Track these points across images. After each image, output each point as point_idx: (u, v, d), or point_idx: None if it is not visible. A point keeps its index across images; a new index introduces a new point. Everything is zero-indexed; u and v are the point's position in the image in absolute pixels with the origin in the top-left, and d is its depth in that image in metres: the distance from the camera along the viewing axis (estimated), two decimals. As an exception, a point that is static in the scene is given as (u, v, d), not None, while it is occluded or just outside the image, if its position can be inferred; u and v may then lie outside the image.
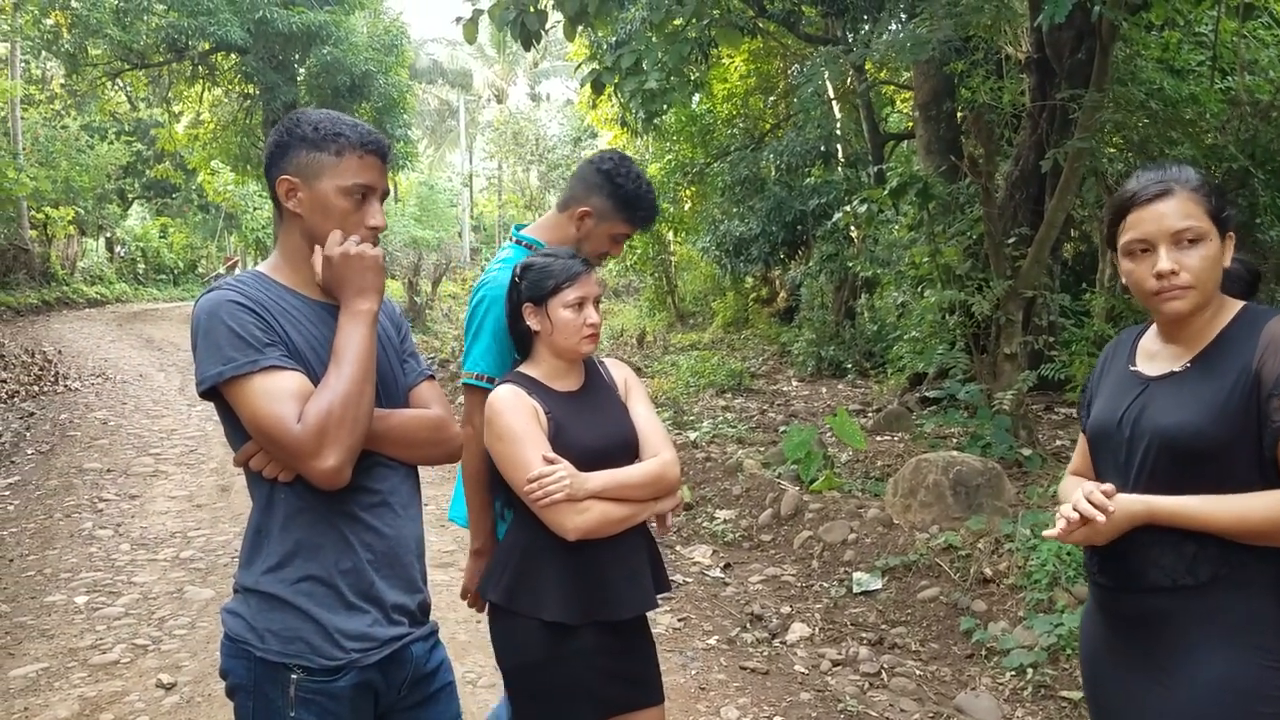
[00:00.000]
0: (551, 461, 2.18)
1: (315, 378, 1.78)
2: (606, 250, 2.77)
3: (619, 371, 2.51)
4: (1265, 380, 1.73)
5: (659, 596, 2.39)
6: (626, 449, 2.34)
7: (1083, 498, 1.82)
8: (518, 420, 2.22)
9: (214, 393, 1.77)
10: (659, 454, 2.32)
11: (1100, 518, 1.78)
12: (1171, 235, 1.83)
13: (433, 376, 2.11)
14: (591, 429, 2.30)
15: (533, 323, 2.35)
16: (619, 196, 2.69)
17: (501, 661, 2.31)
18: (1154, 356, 1.96)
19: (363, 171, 1.87)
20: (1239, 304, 1.88)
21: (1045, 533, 1.95)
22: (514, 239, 2.80)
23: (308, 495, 1.79)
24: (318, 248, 1.86)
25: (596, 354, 2.50)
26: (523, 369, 2.39)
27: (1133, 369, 1.98)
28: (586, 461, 2.22)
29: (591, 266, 2.42)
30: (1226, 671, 1.75)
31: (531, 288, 2.33)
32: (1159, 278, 1.83)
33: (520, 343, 2.43)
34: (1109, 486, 1.83)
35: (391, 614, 1.90)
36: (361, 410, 1.77)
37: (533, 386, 2.32)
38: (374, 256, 1.86)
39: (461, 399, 2.67)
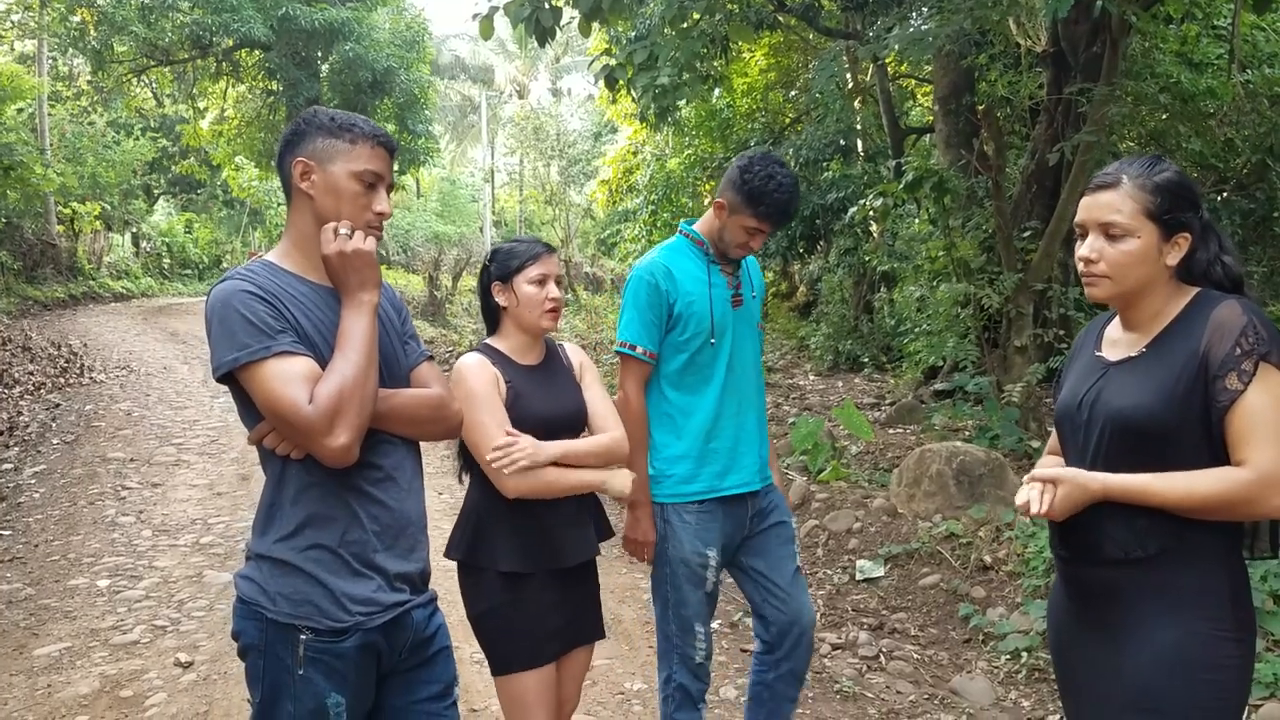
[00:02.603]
0: (512, 434, 2.45)
1: (323, 360, 1.90)
2: (744, 242, 2.93)
3: (576, 355, 2.78)
4: (1212, 362, 1.81)
5: (603, 545, 2.71)
6: (574, 422, 2.63)
7: (1026, 487, 1.95)
8: (479, 386, 2.49)
9: (229, 377, 1.88)
10: (609, 431, 2.63)
11: (1036, 508, 1.90)
12: (1099, 225, 1.93)
13: (432, 357, 2.22)
14: (545, 400, 2.58)
15: (501, 299, 2.63)
16: (745, 191, 2.86)
17: (469, 610, 2.57)
18: (1116, 343, 2.04)
19: (373, 160, 2.00)
20: (1193, 291, 1.95)
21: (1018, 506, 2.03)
22: (680, 231, 3.05)
23: (317, 471, 1.91)
24: (325, 227, 1.96)
25: (557, 338, 2.76)
26: (490, 341, 2.66)
27: (1097, 354, 2.06)
28: (537, 428, 2.51)
29: (553, 249, 2.66)
30: (1175, 640, 1.83)
31: (499, 267, 2.63)
32: (1084, 262, 1.95)
33: (490, 319, 2.70)
34: (1041, 474, 1.93)
35: (394, 582, 2.00)
36: (368, 392, 1.88)
37: (497, 357, 2.60)
38: (369, 253, 1.97)
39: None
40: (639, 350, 2.90)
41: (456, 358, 13.79)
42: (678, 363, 2.92)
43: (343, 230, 1.95)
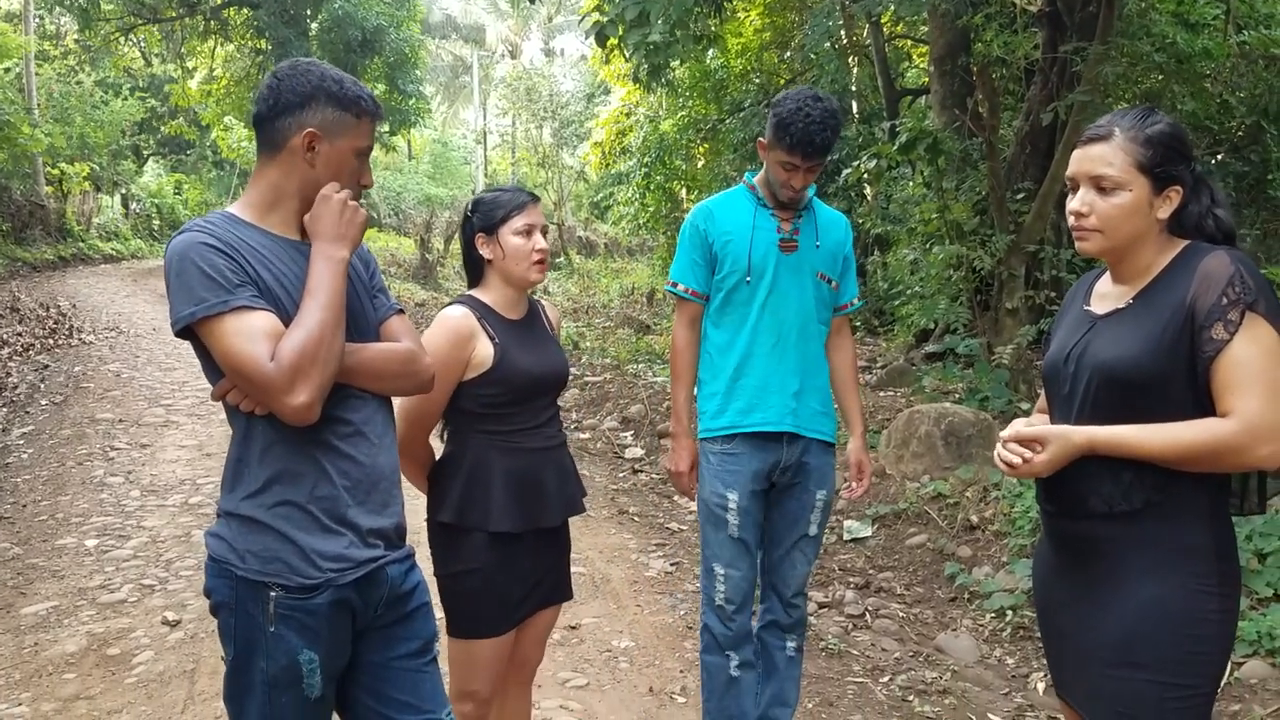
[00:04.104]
0: None
1: (285, 313, 1.86)
2: (785, 180, 2.91)
3: (553, 313, 2.77)
4: (1198, 313, 1.78)
5: (592, 506, 2.63)
6: (559, 380, 2.61)
7: (1002, 447, 1.97)
8: (443, 345, 2.42)
9: (188, 332, 1.85)
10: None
11: (1016, 460, 1.92)
12: (1090, 178, 1.90)
13: (402, 310, 2.18)
14: (532, 356, 2.53)
15: (485, 251, 2.55)
16: (774, 124, 2.86)
17: (443, 569, 2.51)
18: (1105, 296, 2.02)
19: (370, 135, 2.01)
20: (1183, 243, 1.92)
21: (998, 464, 2.02)
22: (743, 180, 3.11)
23: (284, 427, 1.87)
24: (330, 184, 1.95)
25: (536, 294, 2.73)
26: (475, 293, 2.58)
27: (1086, 309, 2.04)
28: (525, 386, 2.48)
29: (537, 198, 2.61)
30: (1158, 594, 1.82)
31: (483, 218, 2.55)
32: (1074, 216, 1.92)
33: (474, 271, 2.62)
34: (1024, 433, 1.93)
35: (367, 537, 1.98)
36: (333, 350, 1.84)
37: (484, 310, 2.52)
38: (364, 214, 1.99)
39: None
40: (680, 287, 3.04)
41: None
42: (717, 301, 3.02)
43: (348, 191, 1.97)
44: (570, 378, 2.69)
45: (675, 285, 3.07)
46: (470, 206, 2.61)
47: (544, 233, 2.56)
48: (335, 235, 1.92)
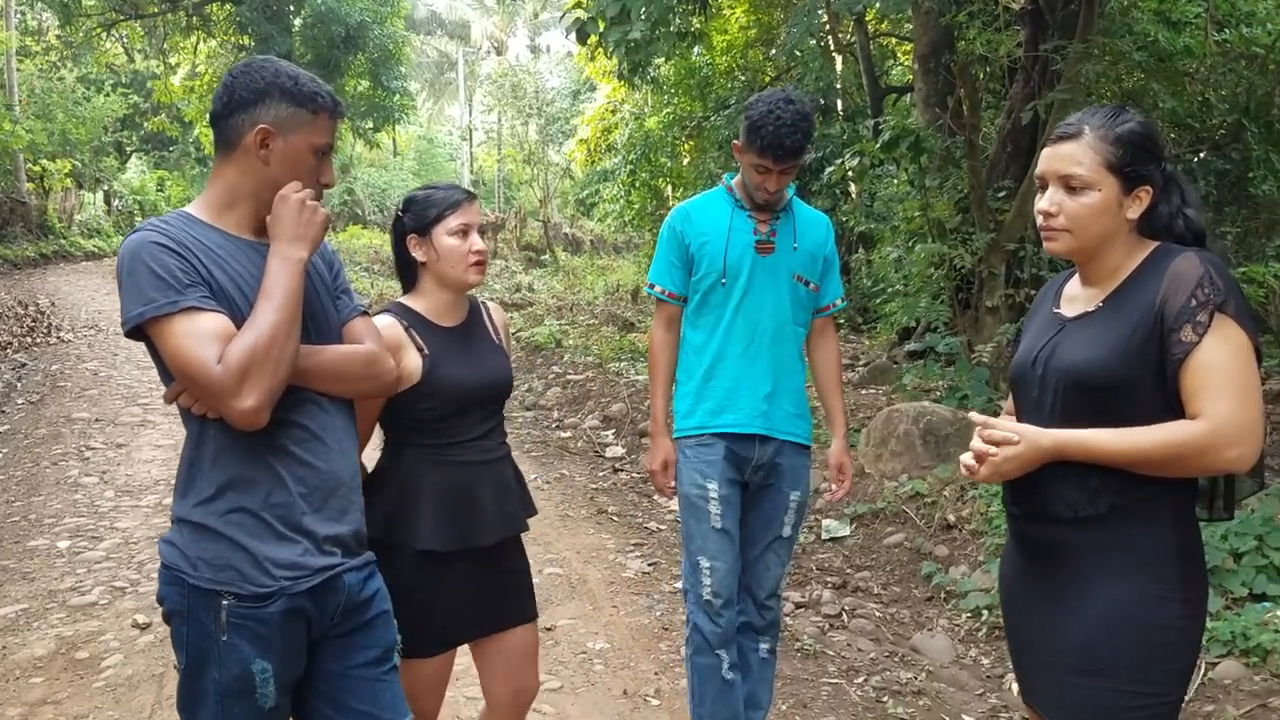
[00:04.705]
0: None
1: (239, 315, 1.82)
2: (759, 183, 2.89)
3: (499, 316, 2.60)
4: (1167, 315, 1.76)
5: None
6: (498, 391, 2.46)
7: (971, 450, 1.94)
8: None
9: (139, 333, 1.81)
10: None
11: (973, 463, 1.91)
12: (1059, 177, 1.87)
13: (366, 312, 2.15)
14: (465, 368, 2.39)
15: (418, 254, 2.41)
16: (745, 124, 2.85)
17: None
18: (1074, 299, 2.00)
19: (330, 131, 1.96)
20: (1152, 244, 1.90)
21: (963, 468, 2.00)
22: (722, 181, 3.10)
23: (237, 431, 1.83)
24: (291, 184, 1.91)
25: (481, 295, 2.60)
26: (406, 300, 2.45)
27: (1055, 311, 2.02)
28: (457, 399, 2.35)
29: (473, 195, 2.48)
30: (1123, 600, 1.80)
31: (415, 218, 2.40)
32: (1043, 215, 1.89)
33: (407, 275, 2.50)
34: (996, 433, 1.90)
35: (323, 545, 1.94)
36: (285, 353, 1.80)
37: (413, 319, 2.39)
38: (325, 215, 1.95)
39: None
40: (658, 289, 3.05)
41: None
42: (695, 302, 3.02)
43: (309, 191, 1.92)
44: (514, 385, 2.56)
45: (653, 287, 3.08)
46: (401, 206, 2.46)
47: (481, 232, 2.43)
48: (293, 235, 1.89)
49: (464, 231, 2.38)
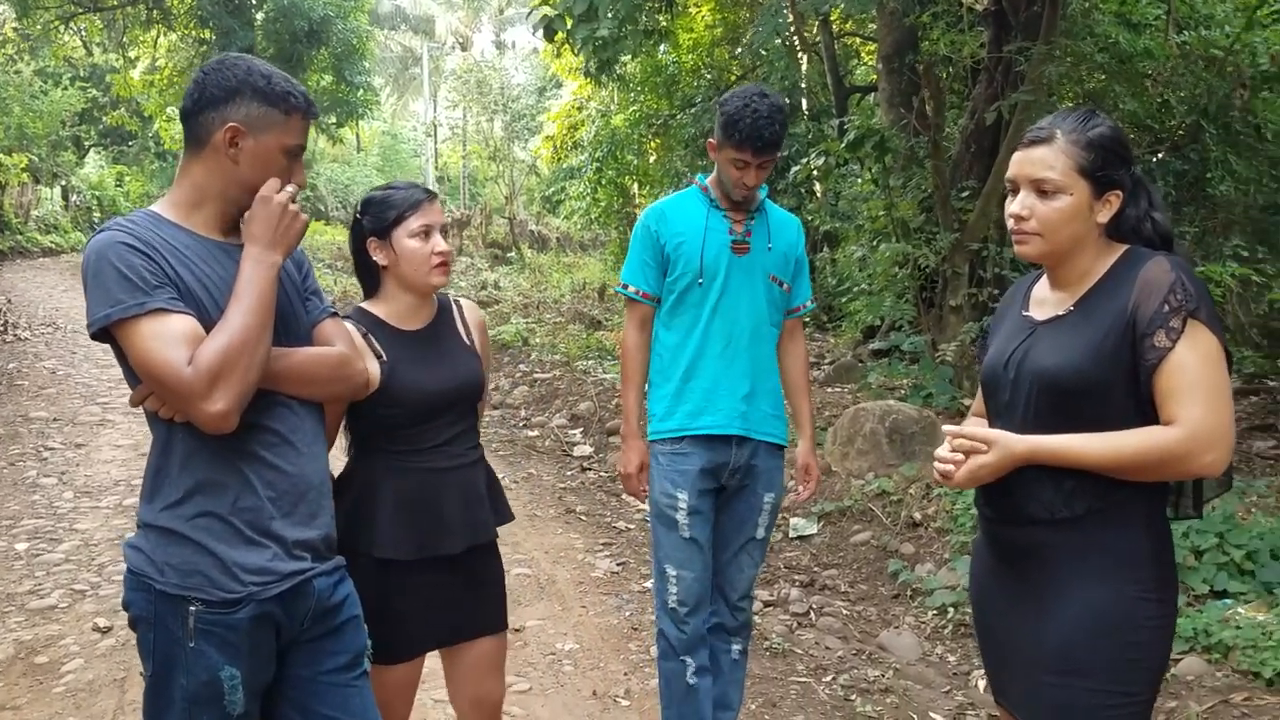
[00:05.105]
0: None
1: (207, 317, 1.80)
2: (736, 178, 2.88)
3: (473, 314, 2.53)
4: (1140, 320, 1.78)
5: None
6: (465, 393, 2.39)
7: (944, 451, 1.93)
8: None
9: (106, 334, 1.78)
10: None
11: (949, 469, 1.90)
12: (1030, 181, 1.88)
13: (336, 314, 2.12)
14: (427, 372, 2.32)
15: (379, 257, 2.34)
16: (720, 120, 2.84)
17: None
18: (1043, 302, 2.01)
19: (303, 133, 1.93)
20: (1123, 248, 1.92)
21: (936, 474, 2.01)
22: (694, 181, 3.09)
23: (205, 435, 1.81)
24: (271, 180, 1.88)
25: (454, 293, 2.54)
26: (367, 305, 2.40)
27: (1024, 314, 2.03)
28: (420, 404, 2.29)
29: (434, 195, 2.41)
30: (1098, 601, 1.81)
31: (374, 220, 2.33)
32: (1014, 219, 1.90)
33: (368, 279, 2.43)
34: (970, 432, 1.91)
35: (293, 549, 1.92)
36: (256, 357, 1.78)
37: (374, 324, 2.34)
38: (304, 220, 1.93)
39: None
40: (631, 289, 3.01)
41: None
42: (669, 302, 2.99)
43: (290, 189, 1.90)
44: (483, 388, 2.47)
45: (626, 287, 3.03)
46: (359, 208, 2.38)
47: (444, 232, 2.35)
48: (271, 239, 1.86)
49: (425, 233, 2.31)
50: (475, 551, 2.41)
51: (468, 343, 2.46)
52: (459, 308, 2.52)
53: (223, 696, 1.85)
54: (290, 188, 1.91)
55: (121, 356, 1.84)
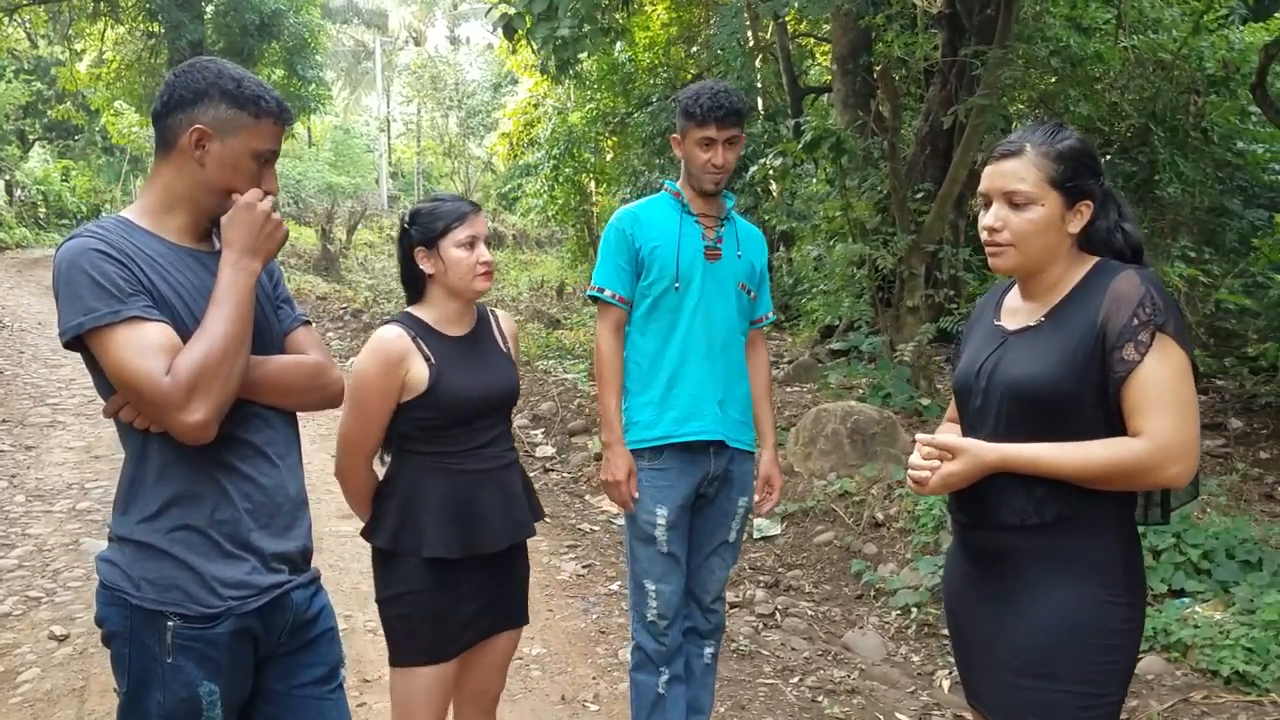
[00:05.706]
0: None
1: (182, 325, 1.77)
2: (705, 160, 2.88)
3: (507, 324, 2.61)
4: (1110, 333, 1.82)
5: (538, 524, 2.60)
6: (505, 400, 2.48)
7: (916, 459, 1.97)
8: (374, 370, 2.33)
9: (78, 343, 1.76)
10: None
11: (924, 475, 1.94)
12: (1003, 194, 1.92)
13: (308, 322, 2.11)
14: (473, 377, 2.40)
15: (425, 266, 2.42)
16: (680, 107, 2.90)
17: (380, 593, 2.43)
18: (1015, 312, 2.05)
19: (275, 138, 1.91)
20: (1092, 260, 1.96)
21: (910, 481, 2.04)
22: (663, 186, 3.08)
23: (182, 446, 1.78)
24: (252, 190, 1.87)
25: (488, 304, 2.61)
26: (415, 310, 2.46)
27: (996, 323, 2.07)
28: (464, 408, 2.36)
29: (478, 207, 2.48)
30: (1069, 605, 1.86)
31: (422, 231, 2.41)
32: (987, 231, 1.94)
33: (413, 286, 2.50)
34: (939, 440, 1.95)
35: (270, 562, 1.90)
36: (236, 366, 1.77)
37: (421, 329, 2.40)
38: (285, 230, 1.91)
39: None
40: (606, 293, 2.96)
41: (352, 314, 13.32)
42: (644, 307, 2.96)
43: (272, 198, 1.89)
44: (518, 393, 2.57)
45: (601, 291, 2.98)
46: (408, 218, 2.47)
47: (487, 243, 2.46)
48: (251, 246, 1.84)
49: (471, 243, 2.39)
50: (513, 549, 2.50)
51: (504, 349, 2.55)
52: (495, 317, 2.60)
53: (201, 713, 1.83)
54: (272, 197, 1.90)
55: (94, 366, 1.80)
